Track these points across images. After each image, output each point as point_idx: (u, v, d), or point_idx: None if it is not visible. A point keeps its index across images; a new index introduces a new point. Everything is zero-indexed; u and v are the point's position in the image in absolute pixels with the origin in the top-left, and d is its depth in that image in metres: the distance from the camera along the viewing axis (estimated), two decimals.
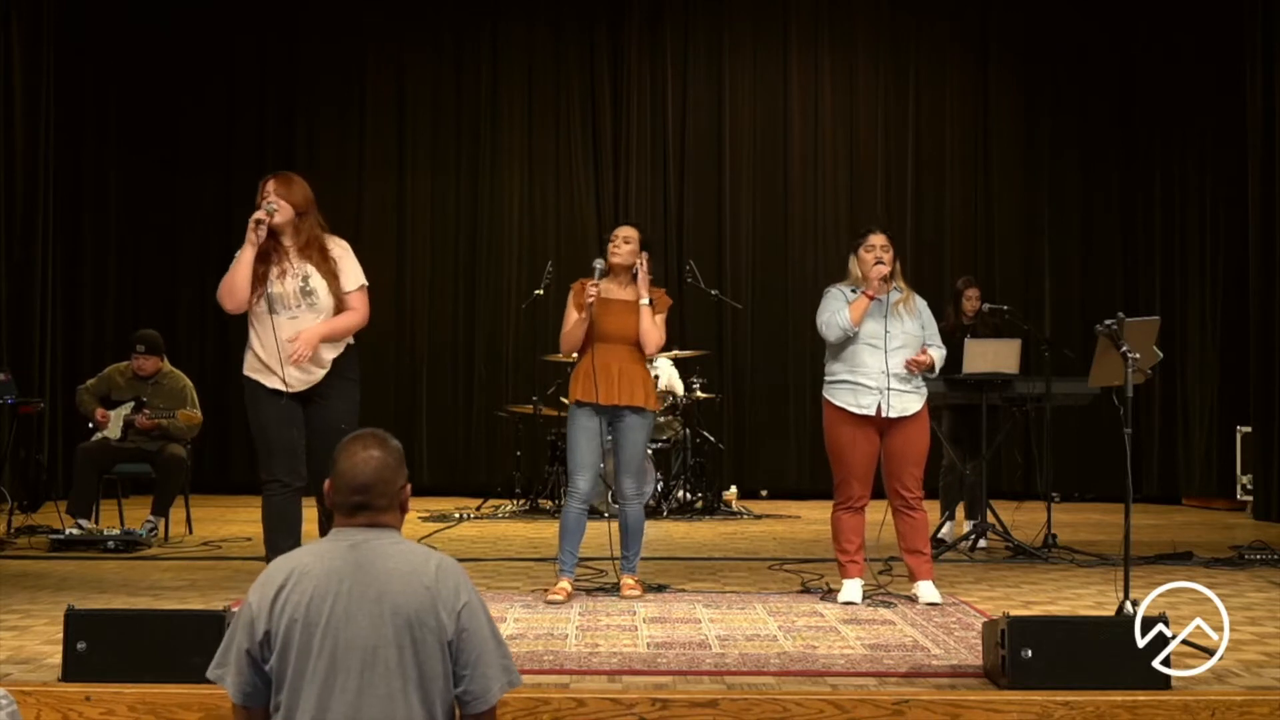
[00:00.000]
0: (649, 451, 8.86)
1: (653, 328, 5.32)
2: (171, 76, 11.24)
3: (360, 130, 11.43)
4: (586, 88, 11.40)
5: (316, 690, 2.39)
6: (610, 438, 5.44)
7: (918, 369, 5.15)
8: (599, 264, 5.33)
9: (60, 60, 9.85)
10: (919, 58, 11.45)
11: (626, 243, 5.37)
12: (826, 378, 5.26)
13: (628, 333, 5.33)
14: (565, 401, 5.63)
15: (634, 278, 5.37)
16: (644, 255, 5.39)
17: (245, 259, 4.70)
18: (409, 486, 2.61)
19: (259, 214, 4.71)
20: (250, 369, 4.82)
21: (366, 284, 4.90)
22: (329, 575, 2.45)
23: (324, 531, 4.81)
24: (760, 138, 11.45)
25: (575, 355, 5.54)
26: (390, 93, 11.47)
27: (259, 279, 4.72)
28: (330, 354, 4.79)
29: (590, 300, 5.24)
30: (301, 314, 4.73)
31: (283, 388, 4.72)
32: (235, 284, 4.70)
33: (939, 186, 11.43)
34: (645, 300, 5.31)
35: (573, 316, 5.38)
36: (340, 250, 4.86)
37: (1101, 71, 11.21)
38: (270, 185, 4.79)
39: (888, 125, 11.43)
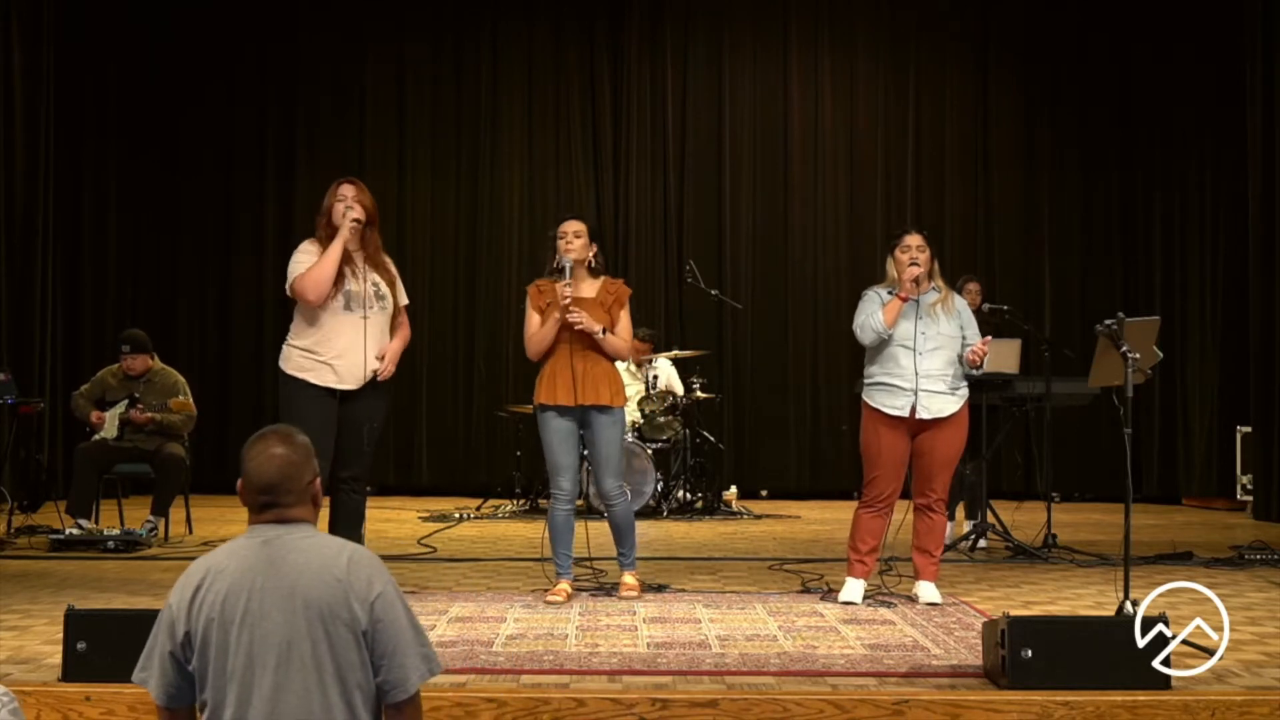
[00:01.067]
0: (649, 451, 8.85)
1: (618, 345, 5.26)
2: (171, 76, 11.24)
3: (360, 130, 11.43)
4: (586, 88, 11.40)
5: (236, 687, 2.42)
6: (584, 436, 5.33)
7: (978, 358, 5.08)
8: (567, 262, 5.18)
9: (60, 60, 9.84)
10: (919, 58, 11.45)
11: (578, 237, 5.24)
12: (865, 380, 5.25)
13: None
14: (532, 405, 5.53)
15: (589, 270, 5.28)
16: (593, 247, 5.29)
17: (336, 254, 4.85)
18: (318, 480, 2.63)
19: (356, 213, 4.88)
20: (295, 368, 4.87)
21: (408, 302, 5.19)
22: (243, 572, 2.48)
23: (333, 530, 4.85)
24: (760, 138, 11.45)
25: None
26: (390, 93, 11.47)
27: (337, 276, 4.87)
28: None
29: (566, 300, 5.11)
30: (374, 315, 4.93)
31: (336, 385, 4.85)
32: (326, 276, 4.84)
33: (939, 186, 11.43)
34: (599, 332, 5.17)
35: (535, 320, 5.26)
36: (394, 269, 5.11)
37: (1101, 72, 11.20)
38: (347, 189, 4.96)
39: (888, 125, 11.43)
